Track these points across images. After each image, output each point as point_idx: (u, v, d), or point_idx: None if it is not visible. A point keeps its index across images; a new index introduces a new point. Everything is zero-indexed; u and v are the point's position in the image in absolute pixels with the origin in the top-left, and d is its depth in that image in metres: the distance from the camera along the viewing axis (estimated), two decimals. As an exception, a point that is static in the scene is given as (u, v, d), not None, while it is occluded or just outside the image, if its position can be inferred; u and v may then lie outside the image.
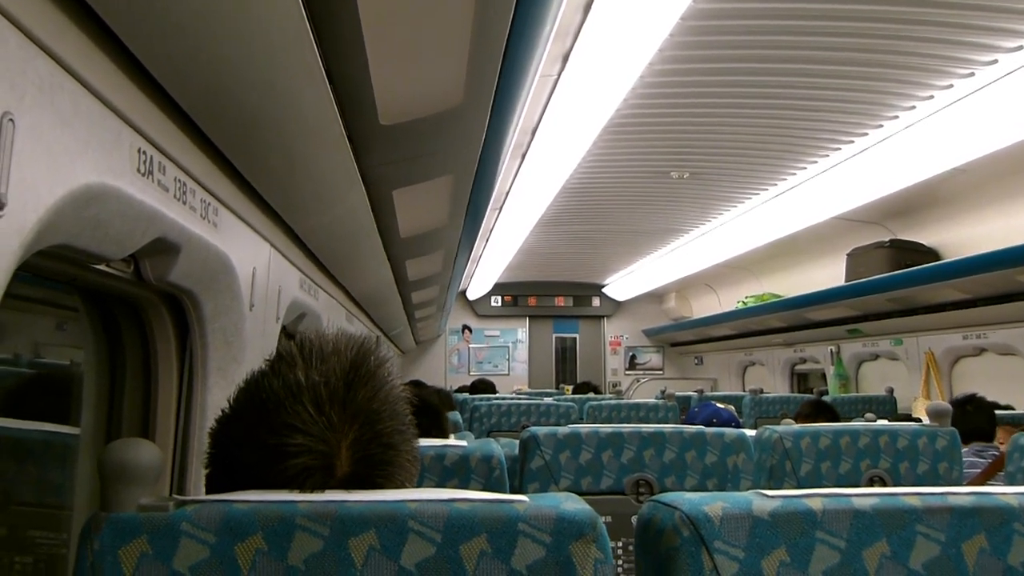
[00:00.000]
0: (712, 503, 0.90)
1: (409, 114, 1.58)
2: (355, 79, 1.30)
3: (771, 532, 0.88)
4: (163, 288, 1.49)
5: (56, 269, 1.18)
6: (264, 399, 0.88)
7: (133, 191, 1.05)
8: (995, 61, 2.99)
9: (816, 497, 0.90)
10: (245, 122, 1.31)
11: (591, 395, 6.54)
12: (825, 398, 5.05)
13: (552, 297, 11.08)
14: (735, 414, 3.81)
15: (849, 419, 3.79)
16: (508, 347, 11.34)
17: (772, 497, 0.90)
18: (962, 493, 0.92)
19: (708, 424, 3.64)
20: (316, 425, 0.86)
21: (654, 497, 0.96)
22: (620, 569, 2.12)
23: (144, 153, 1.09)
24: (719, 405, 3.96)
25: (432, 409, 2.10)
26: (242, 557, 0.79)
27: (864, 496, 0.91)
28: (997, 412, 3.72)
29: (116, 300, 1.57)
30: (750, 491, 0.94)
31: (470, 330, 11.29)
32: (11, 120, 0.74)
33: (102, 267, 1.24)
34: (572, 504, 0.84)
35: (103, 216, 1.01)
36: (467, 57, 1.38)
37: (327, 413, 0.87)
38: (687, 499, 0.91)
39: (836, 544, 0.88)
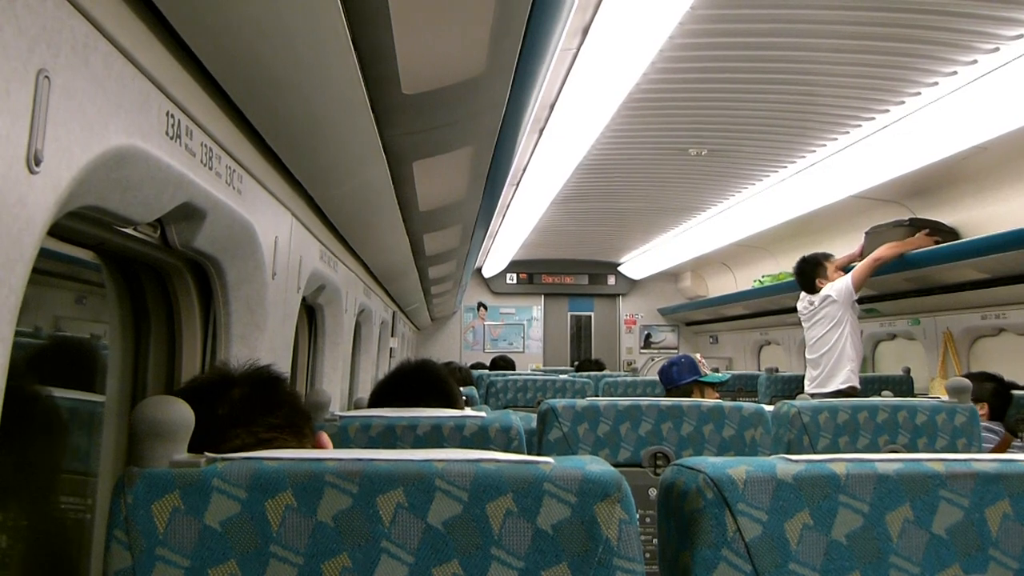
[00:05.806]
0: (736, 467, 0.90)
1: (431, 83, 1.58)
2: (379, 46, 1.30)
3: (794, 495, 0.88)
4: (188, 254, 1.50)
5: (84, 232, 1.19)
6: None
7: (161, 154, 1.06)
8: (1021, 36, 2.94)
9: (840, 462, 0.91)
10: (271, 89, 1.32)
11: (607, 372, 6.51)
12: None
13: (567, 275, 11.06)
14: (695, 359, 3.74)
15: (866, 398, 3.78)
16: (523, 325, 11.33)
17: (796, 461, 0.91)
18: (986, 460, 0.92)
19: (667, 369, 3.61)
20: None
21: (677, 462, 0.97)
22: (637, 540, 2.13)
23: (172, 116, 1.10)
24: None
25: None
26: (272, 513, 0.80)
27: (888, 461, 0.91)
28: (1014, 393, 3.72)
29: (142, 266, 1.59)
30: (774, 456, 0.94)
31: (485, 307, 11.29)
32: (47, 77, 0.75)
33: (129, 231, 1.25)
34: (597, 466, 0.85)
35: (133, 178, 1.02)
36: (490, 24, 1.37)
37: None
38: (711, 463, 0.92)
39: (859, 508, 0.89)
